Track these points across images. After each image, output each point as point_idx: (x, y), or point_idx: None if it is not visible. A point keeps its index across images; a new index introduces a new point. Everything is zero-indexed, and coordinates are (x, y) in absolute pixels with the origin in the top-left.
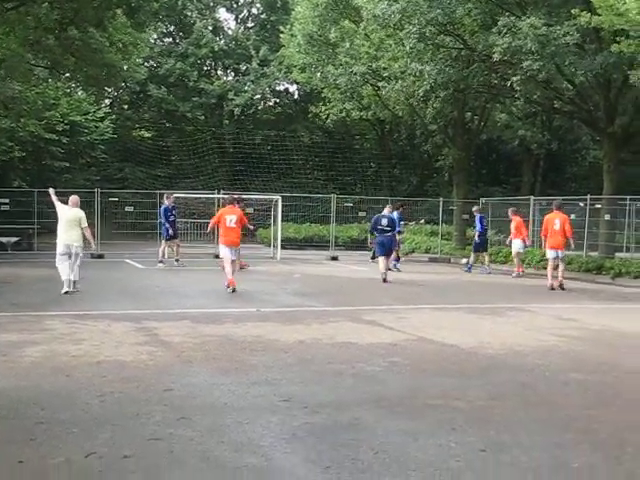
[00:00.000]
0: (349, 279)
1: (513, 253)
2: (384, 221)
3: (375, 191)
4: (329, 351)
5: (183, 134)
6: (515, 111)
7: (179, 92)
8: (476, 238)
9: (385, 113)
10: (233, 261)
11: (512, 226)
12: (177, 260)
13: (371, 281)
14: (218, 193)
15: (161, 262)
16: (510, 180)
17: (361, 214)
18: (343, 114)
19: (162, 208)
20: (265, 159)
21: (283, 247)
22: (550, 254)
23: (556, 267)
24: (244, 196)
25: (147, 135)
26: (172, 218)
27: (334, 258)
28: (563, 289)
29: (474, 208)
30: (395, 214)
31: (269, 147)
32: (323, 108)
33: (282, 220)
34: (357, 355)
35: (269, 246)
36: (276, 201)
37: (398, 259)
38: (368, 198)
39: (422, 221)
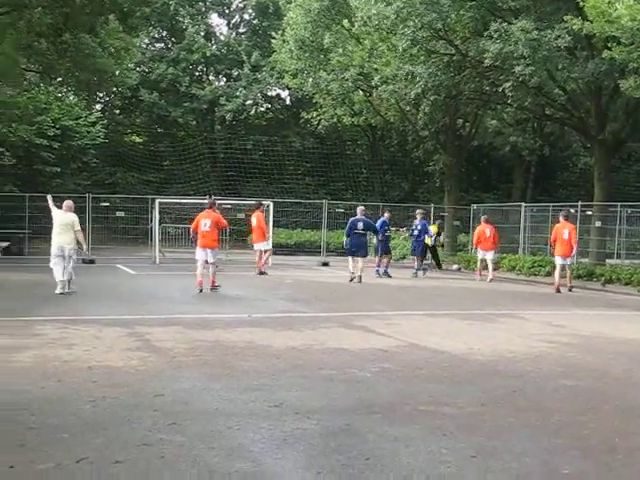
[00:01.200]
0: (340, 285)
1: (488, 260)
2: (360, 225)
3: (367, 197)
4: (320, 357)
5: (175, 139)
6: (506, 117)
7: (171, 97)
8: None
9: (377, 119)
10: (210, 263)
11: (487, 234)
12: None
13: (363, 287)
14: (209, 198)
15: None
16: (501, 186)
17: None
18: (335, 120)
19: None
20: (256, 164)
21: (275, 253)
22: (559, 261)
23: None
24: (231, 201)
25: (139, 140)
26: None
27: (325, 264)
28: (571, 291)
29: (418, 211)
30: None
31: (260, 152)
32: (315, 114)
33: (273, 226)
34: (348, 361)
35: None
36: (267, 206)
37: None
38: (359, 204)
39: (404, 229)
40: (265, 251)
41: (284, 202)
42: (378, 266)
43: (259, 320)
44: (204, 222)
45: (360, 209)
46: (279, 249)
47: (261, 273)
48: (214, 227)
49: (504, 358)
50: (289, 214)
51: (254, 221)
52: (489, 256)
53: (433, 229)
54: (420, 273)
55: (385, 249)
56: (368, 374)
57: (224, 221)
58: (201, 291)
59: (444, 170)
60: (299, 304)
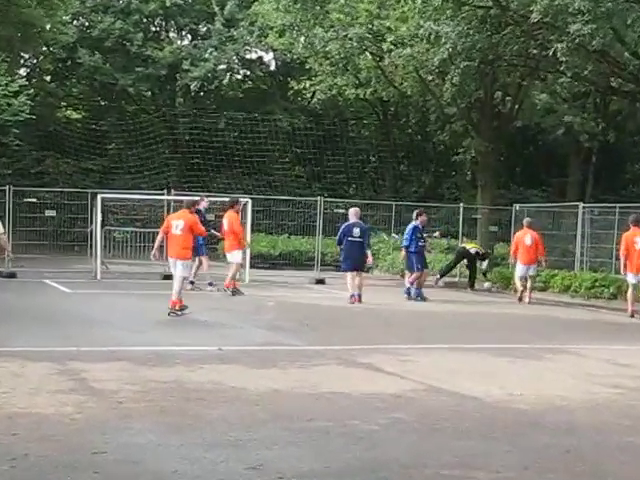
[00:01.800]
0: (339, 309)
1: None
2: (356, 231)
3: (375, 194)
4: (312, 404)
5: (123, 115)
6: (560, 91)
7: (118, 60)
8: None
9: (389, 91)
10: (183, 278)
11: (527, 242)
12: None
13: (368, 312)
14: (168, 194)
15: (211, 284)
16: (552, 181)
17: None
18: (334, 92)
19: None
20: (231, 150)
21: (253, 266)
22: (632, 278)
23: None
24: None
25: (76, 116)
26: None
27: (320, 281)
28: None
29: (416, 212)
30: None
31: (236, 134)
32: (308, 84)
33: (252, 230)
34: (348, 409)
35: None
36: (244, 205)
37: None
38: (366, 202)
39: (436, 234)
40: (238, 265)
41: (266, 199)
42: (411, 284)
43: (232, 354)
44: (175, 224)
45: (354, 211)
46: (259, 261)
47: (234, 292)
48: (187, 232)
49: (553, 407)
50: (273, 215)
51: (225, 224)
52: (530, 271)
53: (469, 245)
54: (412, 292)
55: (421, 263)
56: (375, 427)
57: (201, 227)
58: (169, 314)
59: (477, 159)
60: (284, 334)
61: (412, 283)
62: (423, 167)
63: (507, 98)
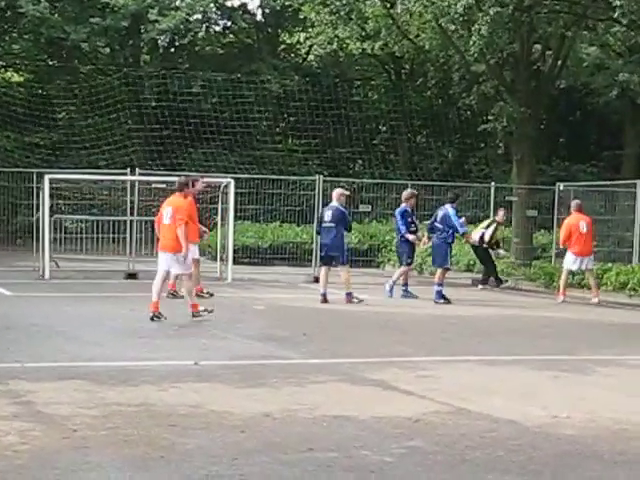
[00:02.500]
0: (343, 314)
1: (588, 270)
2: (327, 214)
3: (387, 171)
4: (310, 430)
5: (76, 77)
6: (612, 43)
7: (69, 10)
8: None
9: (402, 45)
10: (167, 273)
11: (583, 229)
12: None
13: (379, 317)
14: (132, 173)
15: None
16: (604, 155)
17: (363, 208)
18: (334, 46)
19: None
20: (208, 119)
21: (237, 261)
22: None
23: None
24: (167, 178)
25: (17, 79)
26: None
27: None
28: None
29: (406, 193)
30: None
31: (214, 100)
32: (302, 37)
33: (236, 218)
34: (356, 437)
35: (214, 260)
36: (226, 186)
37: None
38: (375, 182)
39: (462, 220)
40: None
41: (253, 179)
42: (439, 284)
43: (212, 370)
44: (165, 212)
45: (338, 192)
46: (245, 256)
47: (199, 295)
48: (174, 219)
49: (608, 432)
50: (261, 198)
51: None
52: (588, 264)
53: (474, 229)
54: (401, 290)
55: (411, 255)
56: (388, 458)
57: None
58: (156, 318)
59: (511, 128)
60: (276, 344)
61: (440, 283)
62: (445, 138)
63: (548, 52)
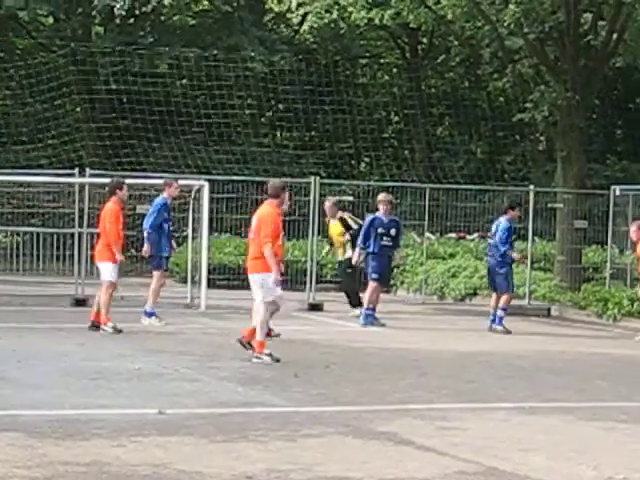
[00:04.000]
0: (346, 350)
1: None
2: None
3: (399, 170)
4: None
5: (11, 55)
6: None
7: None
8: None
9: (420, 15)
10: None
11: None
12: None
13: (391, 354)
14: (82, 174)
15: (153, 315)
16: None
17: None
18: (334, 15)
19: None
20: (177, 106)
21: (213, 284)
22: None
23: None
24: (129, 180)
25: None
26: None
27: (315, 307)
28: None
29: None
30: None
31: (185, 82)
32: (294, 2)
33: (211, 230)
34: None
35: (184, 282)
36: (198, 190)
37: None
38: (385, 185)
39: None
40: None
41: (232, 181)
42: (501, 311)
43: (181, 421)
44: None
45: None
46: (222, 277)
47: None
48: (104, 224)
49: None
50: (242, 205)
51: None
52: None
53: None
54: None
55: (379, 271)
56: None
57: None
58: (96, 327)
59: (555, 118)
60: (261, 388)
61: (505, 309)
62: (472, 131)
63: (601, 23)
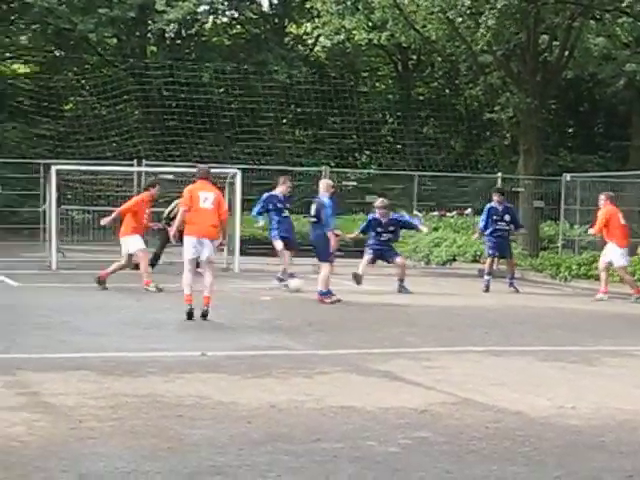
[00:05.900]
0: (351, 305)
1: (601, 264)
2: (312, 208)
3: (393, 161)
4: (317, 421)
5: (83, 69)
6: (620, 33)
7: (77, 0)
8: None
9: (409, 35)
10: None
11: (621, 221)
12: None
13: (386, 309)
14: (139, 164)
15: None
16: (611, 145)
17: (371, 199)
18: (341, 37)
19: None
20: (215, 110)
21: (244, 252)
22: None
23: None
24: (174, 169)
25: (24, 70)
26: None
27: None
28: None
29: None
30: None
31: (221, 91)
32: (309, 27)
33: (243, 209)
34: (362, 428)
35: (221, 250)
36: (232, 177)
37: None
38: (382, 173)
39: (468, 211)
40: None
41: (259, 170)
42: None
43: (218, 361)
44: (204, 196)
45: (322, 184)
46: (253, 246)
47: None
48: (217, 208)
49: (613, 423)
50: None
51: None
52: (621, 259)
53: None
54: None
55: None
56: (394, 449)
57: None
58: (190, 316)
59: (518, 118)
60: (283, 335)
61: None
62: (452, 129)
63: (555, 43)
